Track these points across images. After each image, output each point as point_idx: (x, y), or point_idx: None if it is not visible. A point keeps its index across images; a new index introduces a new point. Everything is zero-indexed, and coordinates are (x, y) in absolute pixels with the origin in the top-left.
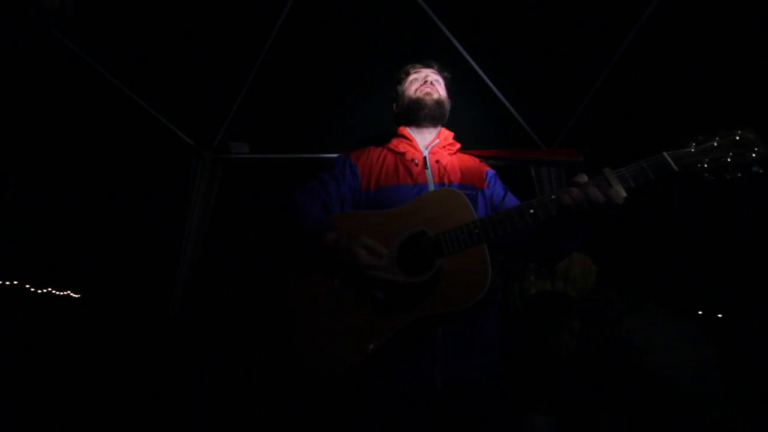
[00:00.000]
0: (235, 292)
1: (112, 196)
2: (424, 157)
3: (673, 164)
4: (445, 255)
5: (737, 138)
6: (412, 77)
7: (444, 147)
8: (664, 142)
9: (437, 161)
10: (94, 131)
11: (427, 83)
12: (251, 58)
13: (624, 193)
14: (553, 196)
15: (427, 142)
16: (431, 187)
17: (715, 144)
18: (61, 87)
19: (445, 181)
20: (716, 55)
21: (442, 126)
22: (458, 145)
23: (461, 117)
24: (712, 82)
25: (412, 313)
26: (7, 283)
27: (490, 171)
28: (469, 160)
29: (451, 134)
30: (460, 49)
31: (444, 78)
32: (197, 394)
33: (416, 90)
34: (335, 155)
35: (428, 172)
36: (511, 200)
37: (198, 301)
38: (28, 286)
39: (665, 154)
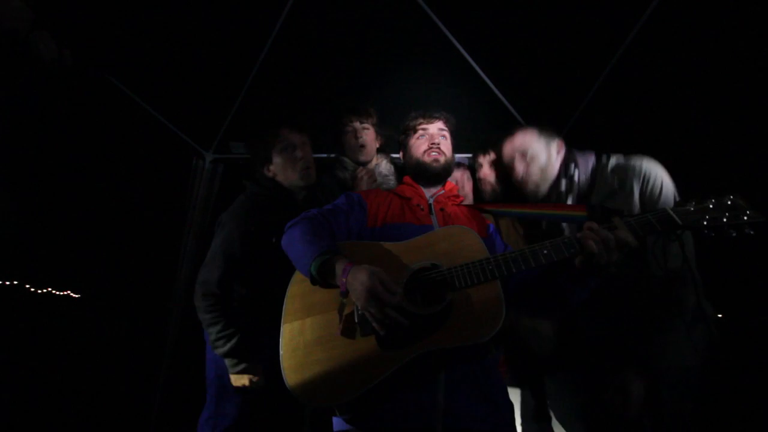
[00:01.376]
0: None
1: (112, 196)
2: (429, 204)
3: (676, 218)
4: (456, 289)
5: (729, 202)
6: (419, 134)
7: (448, 197)
8: (663, 142)
9: (442, 209)
10: (94, 132)
11: (434, 147)
12: (251, 58)
13: (636, 241)
14: (566, 239)
15: (432, 192)
16: (436, 228)
17: (711, 206)
18: (61, 87)
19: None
20: (718, 53)
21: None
22: (462, 198)
23: (461, 117)
24: (714, 80)
25: (420, 347)
26: (7, 283)
27: (491, 225)
28: (472, 213)
29: (456, 187)
30: (460, 49)
31: (449, 128)
32: (197, 396)
33: (424, 153)
34: (335, 155)
35: (433, 217)
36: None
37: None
38: (28, 286)
39: (668, 209)
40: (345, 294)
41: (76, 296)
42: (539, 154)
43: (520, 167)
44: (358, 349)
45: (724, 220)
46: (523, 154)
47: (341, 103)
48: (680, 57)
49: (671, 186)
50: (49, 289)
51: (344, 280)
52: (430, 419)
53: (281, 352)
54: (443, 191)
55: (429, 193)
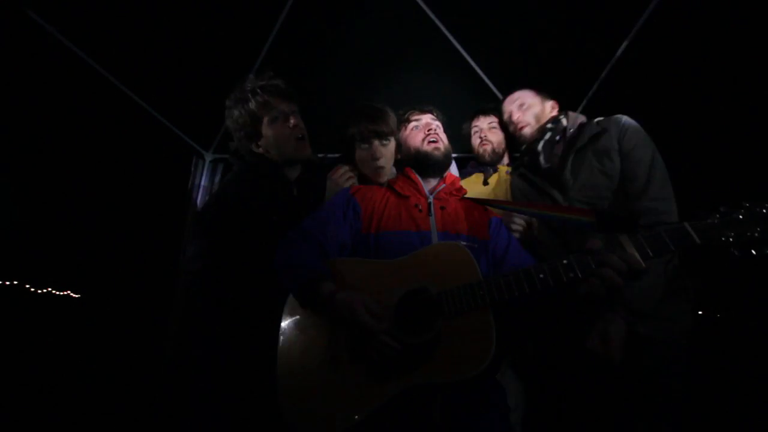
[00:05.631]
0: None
1: (112, 197)
2: (429, 203)
3: (694, 235)
4: (446, 316)
5: (765, 211)
6: (412, 125)
7: (450, 193)
8: (665, 143)
9: (442, 208)
10: (95, 132)
11: (431, 133)
12: (251, 58)
13: (643, 264)
14: (565, 261)
15: (433, 186)
16: (434, 235)
17: (741, 217)
18: (62, 88)
19: (450, 230)
20: (718, 53)
21: (448, 171)
22: (464, 191)
23: (461, 117)
24: (714, 79)
25: (408, 380)
26: (7, 283)
27: (495, 219)
28: (474, 208)
29: (457, 179)
30: (460, 49)
31: (440, 121)
32: (197, 396)
33: (423, 141)
34: (335, 155)
35: (432, 219)
36: (514, 253)
37: (197, 301)
38: (28, 286)
39: (686, 224)
40: (332, 320)
41: (76, 296)
42: (535, 105)
43: (516, 114)
44: (350, 379)
45: (756, 234)
46: (521, 105)
47: (340, 103)
48: (682, 55)
49: (650, 143)
50: (49, 289)
51: (331, 305)
52: None
53: (278, 373)
54: (444, 185)
55: (429, 186)
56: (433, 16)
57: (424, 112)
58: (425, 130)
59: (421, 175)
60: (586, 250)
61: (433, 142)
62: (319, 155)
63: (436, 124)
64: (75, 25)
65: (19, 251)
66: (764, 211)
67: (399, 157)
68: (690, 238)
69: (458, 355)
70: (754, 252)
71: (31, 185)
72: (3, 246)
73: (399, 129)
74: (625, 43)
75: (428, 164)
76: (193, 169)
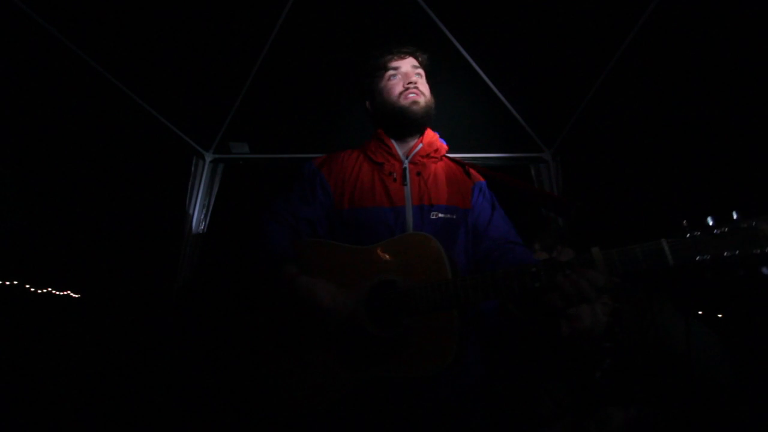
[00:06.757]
0: (235, 292)
1: (112, 196)
2: (404, 169)
3: (669, 256)
4: (412, 313)
5: (749, 230)
6: (390, 73)
7: (427, 155)
8: (664, 142)
9: (418, 173)
10: (95, 132)
11: (411, 86)
12: (251, 58)
13: (606, 283)
14: (533, 269)
15: (409, 147)
16: (409, 210)
17: (725, 232)
18: (62, 88)
19: (425, 201)
20: (719, 53)
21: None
22: (444, 150)
23: (461, 117)
24: (713, 80)
25: (374, 371)
26: (7, 283)
27: (478, 185)
28: (455, 171)
29: (436, 136)
30: (461, 49)
31: (423, 66)
32: (196, 396)
33: (400, 96)
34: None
35: (407, 189)
36: (498, 223)
37: (198, 301)
38: (28, 286)
39: (663, 241)
40: (296, 303)
41: (76, 296)
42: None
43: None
44: (317, 361)
45: (735, 254)
46: None
47: (340, 103)
48: (681, 57)
49: None
50: (49, 289)
51: (291, 288)
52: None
53: (251, 358)
54: (421, 145)
55: (404, 149)
56: (434, 17)
57: (403, 56)
58: (404, 81)
59: (396, 137)
60: (554, 261)
61: (413, 95)
62: (319, 155)
63: (417, 74)
64: (75, 24)
65: (19, 251)
66: (749, 229)
67: (370, 111)
68: (664, 258)
69: (422, 353)
70: (727, 274)
71: (30, 185)
72: (3, 246)
73: (374, 77)
74: (626, 43)
75: (405, 123)
76: (193, 169)
